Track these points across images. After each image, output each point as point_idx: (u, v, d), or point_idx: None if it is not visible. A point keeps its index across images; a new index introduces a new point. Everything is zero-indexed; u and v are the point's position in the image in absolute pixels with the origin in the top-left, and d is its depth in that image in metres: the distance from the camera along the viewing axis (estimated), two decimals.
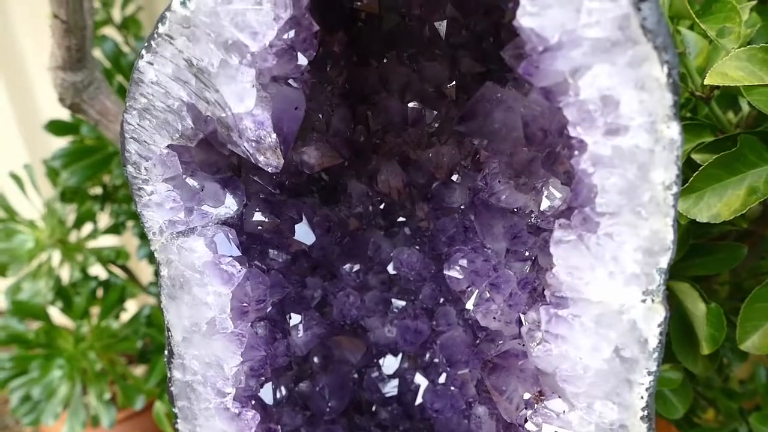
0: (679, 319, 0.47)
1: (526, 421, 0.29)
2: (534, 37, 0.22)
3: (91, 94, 0.61)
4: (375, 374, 0.47)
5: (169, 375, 0.36)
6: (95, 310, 0.93)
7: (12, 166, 0.91)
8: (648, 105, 0.22)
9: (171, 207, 0.30)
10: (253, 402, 0.37)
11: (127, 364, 1.13)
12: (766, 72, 0.33)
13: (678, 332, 0.47)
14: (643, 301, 0.24)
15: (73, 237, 0.94)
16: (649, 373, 0.26)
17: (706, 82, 0.33)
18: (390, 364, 0.46)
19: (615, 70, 0.21)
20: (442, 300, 0.43)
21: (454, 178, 0.38)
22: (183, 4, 0.25)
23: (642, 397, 0.26)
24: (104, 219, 0.98)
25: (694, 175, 0.38)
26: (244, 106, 0.26)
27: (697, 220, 0.38)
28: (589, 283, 0.25)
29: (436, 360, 0.44)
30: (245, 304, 0.33)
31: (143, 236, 1.01)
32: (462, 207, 0.39)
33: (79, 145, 0.84)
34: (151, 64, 0.27)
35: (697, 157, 0.43)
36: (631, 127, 0.22)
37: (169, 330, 0.34)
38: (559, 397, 0.28)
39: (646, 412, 0.26)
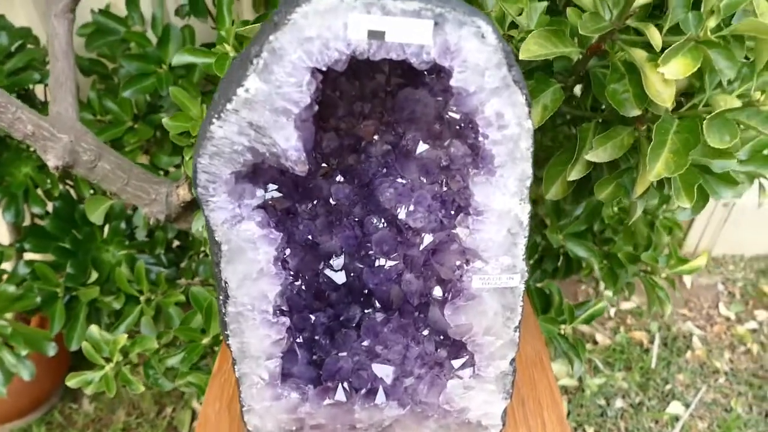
0: None
1: (461, 277, 0.52)
2: (462, 89, 0.42)
3: None
4: (328, 272, 0.67)
5: (223, 311, 0.53)
6: None
7: None
8: (517, 113, 0.43)
9: (229, 208, 0.46)
10: (280, 310, 0.55)
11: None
12: (551, 44, 0.57)
13: None
14: (519, 204, 0.48)
15: None
16: (524, 237, 0.50)
17: (521, 57, 0.55)
18: (338, 263, 0.67)
19: (501, 100, 0.42)
20: (369, 213, 0.64)
21: (375, 137, 0.57)
22: (246, 91, 0.40)
23: (521, 249, 0.50)
24: None
25: None
26: (290, 144, 0.43)
27: None
28: (493, 200, 0.48)
29: (371, 253, 0.66)
30: (279, 252, 0.51)
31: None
32: (380, 155, 0.58)
33: None
34: (221, 127, 0.42)
35: None
36: (510, 125, 0.44)
37: (226, 282, 0.51)
38: (479, 259, 0.51)
39: (523, 255, 0.51)
